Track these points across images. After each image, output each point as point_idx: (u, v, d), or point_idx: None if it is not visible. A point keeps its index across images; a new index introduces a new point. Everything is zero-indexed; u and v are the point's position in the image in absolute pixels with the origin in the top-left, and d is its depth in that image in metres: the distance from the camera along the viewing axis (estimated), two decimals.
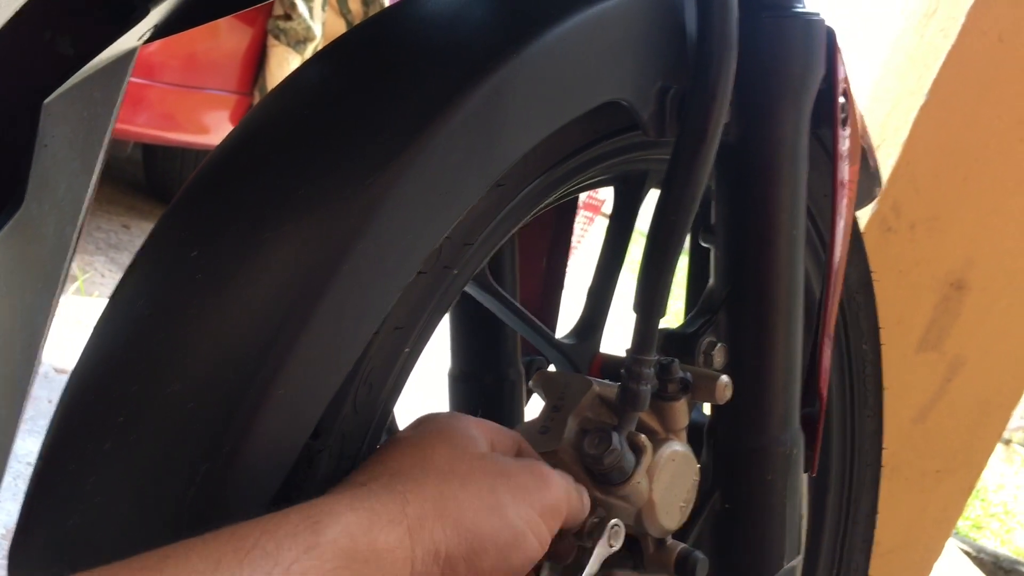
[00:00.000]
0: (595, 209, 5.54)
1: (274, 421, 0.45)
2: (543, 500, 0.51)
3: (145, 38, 0.74)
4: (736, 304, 0.67)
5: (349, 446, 0.51)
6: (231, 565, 0.38)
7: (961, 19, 1.47)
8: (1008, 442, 4.33)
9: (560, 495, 0.52)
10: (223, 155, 0.52)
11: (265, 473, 0.46)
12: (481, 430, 0.54)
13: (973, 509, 3.81)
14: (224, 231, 0.48)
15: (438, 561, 0.45)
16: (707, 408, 0.75)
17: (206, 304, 0.46)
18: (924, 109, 1.49)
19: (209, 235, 0.48)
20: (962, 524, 3.55)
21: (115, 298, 0.50)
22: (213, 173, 0.52)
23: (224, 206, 0.49)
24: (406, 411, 0.61)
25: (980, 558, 3.03)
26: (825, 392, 0.72)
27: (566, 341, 0.76)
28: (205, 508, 0.44)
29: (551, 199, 0.63)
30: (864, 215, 1.50)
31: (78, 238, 0.78)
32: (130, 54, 0.77)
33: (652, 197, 0.71)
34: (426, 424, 0.53)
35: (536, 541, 0.50)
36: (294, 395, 0.46)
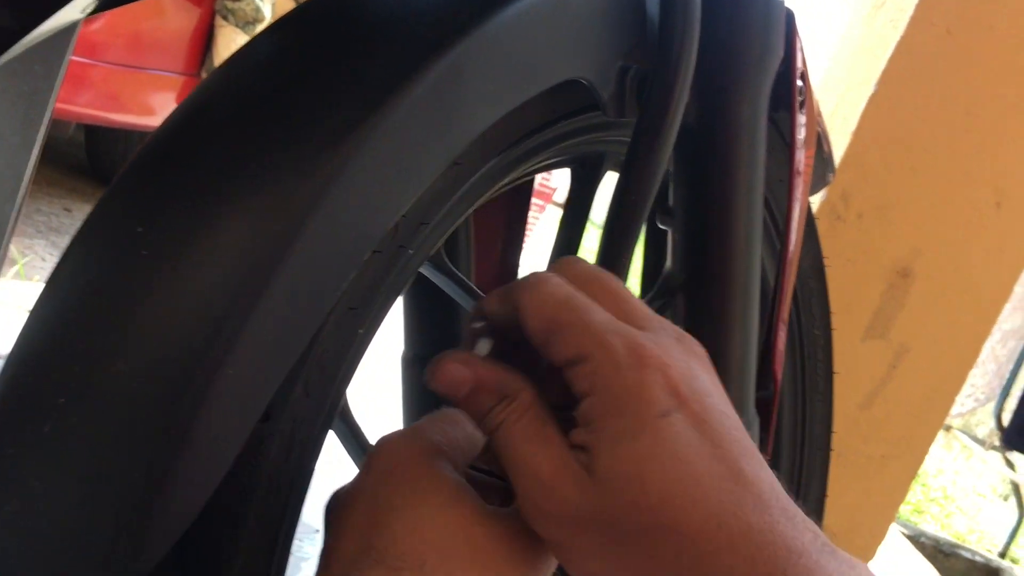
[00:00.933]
0: (546, 197, 5.54)
1: (223, 403, 0.44)
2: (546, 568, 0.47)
3: (89, 10, 0.72)
4: (693, 287, 0.67)
5: (301, 430, 0.50)
6: None
7: (910, 11, 1.49)
8: (948, 428, 4.43)
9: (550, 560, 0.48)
10: (169, 130, 0.50)
11: (213, 456, 0.44)
12: (443, 456, 0.47)
13: (914, 494, 3.89)
14: (171, 206, 0.46)
15: None
16: None
17: (152, 281, 0.44)
18: (873, 99, 1.51)
19: (155, 210, 0.46)
20: (903, 509, 3.63)
21: (55, 275, 0.47)
22: (159, 148, 0.50)
23: (171, 181, 0.47)
24: (360, 395, 0.60)
25: (921, 542, 3.10)
26: (779, 376, 0.73)
27: None
28: (151, 492, 0.42)
29: (508, 179, 0.62)
30: (813, 204, 1.52)
31: (17, 216, 0.76)
32: (72, 27, 0.74)
33: (608, 180, 0.71)
34: (406, 476, 0.46)
35: None
36: (244, 376, 0.44)
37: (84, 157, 4.04)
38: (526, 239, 0.90)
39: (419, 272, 0.71)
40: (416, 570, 0.42)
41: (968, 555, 3.22)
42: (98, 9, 0.74)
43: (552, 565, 0.47)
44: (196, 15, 3.06)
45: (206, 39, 3.12)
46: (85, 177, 4.00)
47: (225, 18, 3.06)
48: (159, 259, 0.44)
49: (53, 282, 0.47)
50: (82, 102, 2.91)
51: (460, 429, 0.50)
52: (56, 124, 3.09)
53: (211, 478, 0.44)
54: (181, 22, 3.06)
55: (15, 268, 2.65)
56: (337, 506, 0.48)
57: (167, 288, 0.44)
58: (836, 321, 1.00)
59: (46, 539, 0.42)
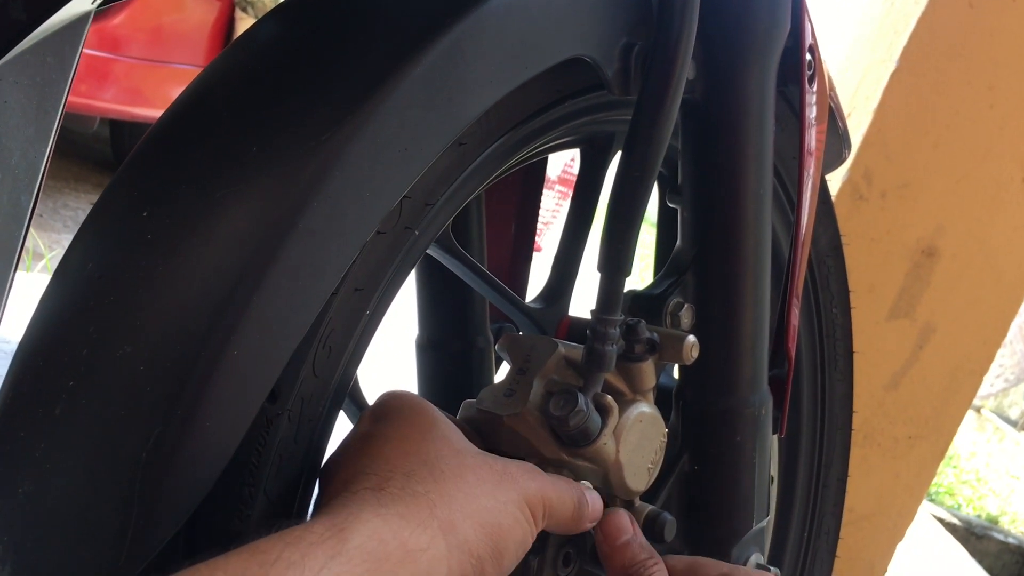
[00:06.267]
0: (570, 185, 5.52)
1: (228, 383, 0.44)
2: (539, 496, 0.53)
3: (99, 1, 0.72)
4: (703, 264, 0.66)
5: (309, 410, 0.51)
6: None
7: None
8: (978, 410, 4.38)
9: (550, 491, 0.54)
10: (174, 115, 0.51)
11: (220, 436, 0.44)
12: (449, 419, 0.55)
13: (946, 476, 3.85)
14: (175, 191, 0.46)
15: (471, 559, 0.47)
16: (676, 373, 0.75)
17: (157, 265, 0.45)
18: (895, 76, 1.49)
19: (160, 195, 0.47)
20: (935, 491, 3.60)
21: (65, 262, 0.48)
22: (163, 134, 0.50)
23: (175, 166, 0.48)
24: (371, 378, 0.60)
25: (953, 524, 3.07)
26: (793, 353, 0.72)
27: (534, 305, 0.75)
28: (159, 472, 0.43)
29: (515, 160, 0.62)
30: (835, 184, 1.50)
31: (34, 207, 0.76)
32: (84, 18, 0.75)
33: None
34: (402, 414, 0.53)
35: (532, 536, 0.52)
36: (249, 357, 0.44)
37: (109, 152, 4.08)
38: (539, 219, 0.90)
39: (430, 255, 0.71)
40: (405, 477, 0.47)
41: (1000, 537, 3.19)
42: (108, 1, 0.74)
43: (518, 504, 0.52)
44: (216, 8, 3.08)
45: (226, 32, 3.14)
46: (110, 172, 4.03)
47: (244, 10, 3.07)
48: (164, 244, 0.45)
49: (63, 269, 0.48)
50: (106, 97, 2.94)
51: None
52: (81, 120, 3.12)
53: (219, 457, 0.45)
54: (201, 15, 3.08)
55: (42, 263, 2.68)
56: (330, 463, 0.52)
57: (172, 272, 0.44)
58: (861, 300, 0.99)
59: (58, 519, 0.43)
